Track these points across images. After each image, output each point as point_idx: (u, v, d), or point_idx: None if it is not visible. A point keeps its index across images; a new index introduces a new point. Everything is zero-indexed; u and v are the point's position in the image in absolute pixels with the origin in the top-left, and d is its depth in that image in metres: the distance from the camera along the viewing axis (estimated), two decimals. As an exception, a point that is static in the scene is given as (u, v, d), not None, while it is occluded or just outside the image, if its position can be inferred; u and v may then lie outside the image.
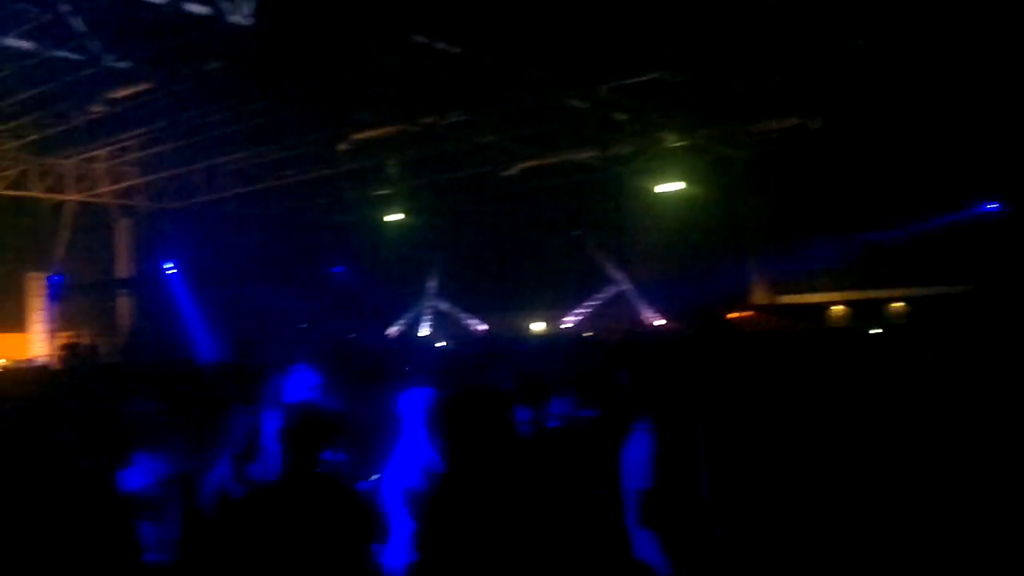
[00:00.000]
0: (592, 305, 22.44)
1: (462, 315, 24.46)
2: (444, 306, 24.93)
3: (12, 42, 11.65)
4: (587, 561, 3.22)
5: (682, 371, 5.12)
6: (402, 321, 24.59)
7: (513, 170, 19.34)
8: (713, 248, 19.39)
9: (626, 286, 21.90)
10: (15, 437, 3.47)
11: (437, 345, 18.89)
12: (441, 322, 24.68)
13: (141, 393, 5.14)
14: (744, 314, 17.74)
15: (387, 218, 23.08)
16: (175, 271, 21.47)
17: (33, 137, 17.58)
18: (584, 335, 20.49)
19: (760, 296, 19.39)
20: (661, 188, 18.53)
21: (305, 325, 20.98)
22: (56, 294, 20.91)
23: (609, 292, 22.25)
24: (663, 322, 20.34)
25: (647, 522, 3.65)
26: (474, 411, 3.10)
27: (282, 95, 14.52)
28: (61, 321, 20.88)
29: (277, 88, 14.06)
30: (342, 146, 17.83)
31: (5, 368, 15.81)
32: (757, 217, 19.29)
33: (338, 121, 16.48)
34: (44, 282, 20.90)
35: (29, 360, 18.25)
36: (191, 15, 10.40)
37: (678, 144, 17.42)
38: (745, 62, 13.24)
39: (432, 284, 25.07)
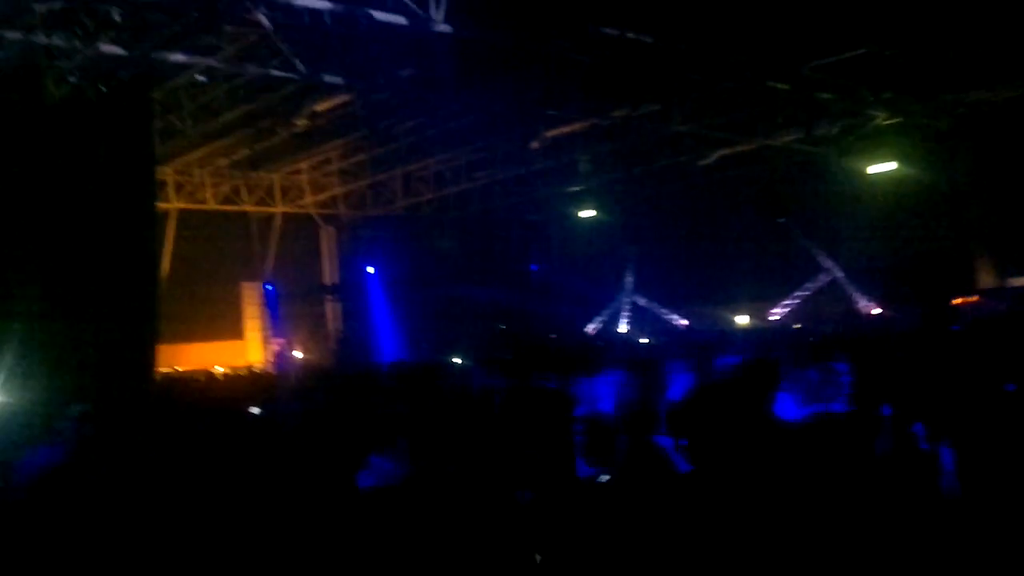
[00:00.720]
0: (801, 295, 21.60)
1: (662, 310, 24.19)
2: (642, 301, 24.73)
3: (221, 64, 12.54)
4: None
5: (913, 362, 4.83)
6: (601, 318, 24.62)
7: (710, 159, 18.88)
8: (930, 229, 18.19)
9: (837, 274, 20.93)
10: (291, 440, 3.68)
11: (641, 341, 18.80)
12: (640, 318, 24.50)
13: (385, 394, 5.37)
14: (969, 299, 16.55)
15: (581, 214, 23.16)
16: (377, 275, 22.50)
17: (242, 154, 18.95)
18: (794, 327, 19.75)
19: (986, 279, 17.97)
20: (874, 169, 17.55)
21: (504, 325, 21.42)
22: (269, 302, 22.48)
23: (819, 281, 21.34)
24: (880, 311, 19.28)
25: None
26: (731, 405, 3.01)
27: (474, 98, 14.87)
28: (274, 328, 22.43)
29: (469, 91, 14.41)
30: (534, 144, 18.03)
31: (226, 375, 17.13)
32: (979, 195, 17.90)
33: (530, 119, 16.68)
34: (257, 291, 22.50)
35: (248, 366, 19.66)
36: (387, 24, 10.84)
37: (889, 122, 16.43)
38: (958, 28, 12.29)
39: (629, 279, 24.94)
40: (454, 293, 20.91)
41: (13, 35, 11.88)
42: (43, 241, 11.35)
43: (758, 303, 21.93)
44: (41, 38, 11.50)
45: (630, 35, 12.32)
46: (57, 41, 11.65)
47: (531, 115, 16.24)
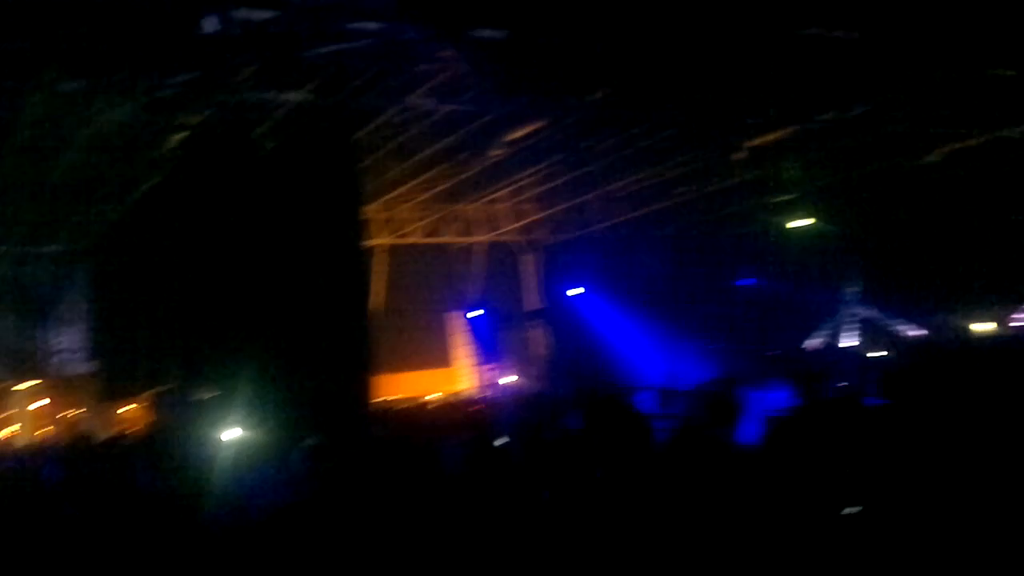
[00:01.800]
0: (1049, 300, 20.07)
1: (889, 320, 23.11)
2: (867, 312, 23.72)
3: (418, 101, 13.36)
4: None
5: None
6: (823, 331, 23.84)
7: (932, 156, 17.99)
8: None
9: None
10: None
11: (875, 355, 18.07)
12: (866, 329, 23.51)
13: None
14: None
15: (792, 224, 22.58)
16: (582, 298, 22.88)
17: (442, 187, 19.93)
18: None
19: None
20: None
21: (720, 343, 21.19)
22: (475, 330, 23.42)
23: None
24: None
25: None
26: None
27: (670, 113, 14.99)
28: (481, 355, 23.32)
29: (664, 107, 14.55)
30: (737, 155, 17.88)
31: (444, 402, 18.04)
32: None
33: (730, 131, 16.59)
34: (463, 319, 23.50)
35: (458, 393, 20.55)
36: (574, 48, 11.23)
37: None
38: None
39: (852, 289, 24.00)
40: (663, 313, 20.93)
41: (223, 96, 13.24)
42: (263, 284, 12.53)
43: (1001, 308, 20.56)
44: (249, 95, 12.76)
45: (836, 33, 12.07)
46: (264, 96, 12.89)
47: (731, 126, 16.15)
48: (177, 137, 15.45)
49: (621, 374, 19.06)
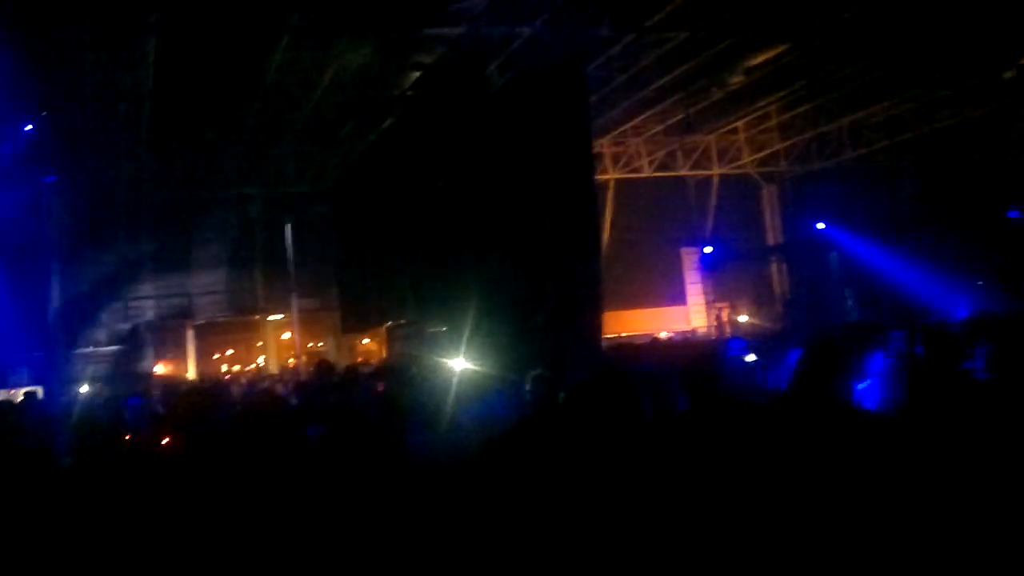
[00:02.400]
0: None
1: None
2: None
3: (649, 32, 13.12)
4: None
5: None
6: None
7: None
8: None
9: None
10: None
11: None
12: None
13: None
14: None
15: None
16: (828, 232, 21.87)
17: (676, 119, 19.57)
18: None
19: None
20: None
21: (981, 281, 19.71)
22: (708, 266, 23.04)
23: None
24: None
25: None
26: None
27: (929, 29, 13.92)
28: (715, 292, 22.95)
29: (920, 25, 13.54)
30: (1008, 74, 16.38)
31: (670, 339, 17.95)
32: None
33: (1002, 45, 15.19)
34: (697, 256, 23.17)
35: (692, 331, 20.38)
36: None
37: None
38: None
39: None
40: (919, 247, 19.65)
41: (456, 31, 13.58)
42: (494, 220, 12.88)
43: None
44: (481, 30, 13.01)
45: None
46: (495, 31, 13.10)
47: (1004, 40, 14.79)
48: (412, 76, 16.07)
49: (867, 313, 18.16)
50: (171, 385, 16.84)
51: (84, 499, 3.53)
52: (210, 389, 7.75)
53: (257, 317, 26.02)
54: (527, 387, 5.35)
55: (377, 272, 19.04)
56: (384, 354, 22.02)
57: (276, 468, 3.55)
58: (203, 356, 26.97)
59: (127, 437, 5.66)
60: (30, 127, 16.91)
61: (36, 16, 13.77)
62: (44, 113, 16.74)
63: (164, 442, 5.32)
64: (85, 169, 19.36)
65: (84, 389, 15.23)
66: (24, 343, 21.05)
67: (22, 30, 14.52)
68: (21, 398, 13.00)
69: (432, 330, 16.19)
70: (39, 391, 16.60)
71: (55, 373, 19.95)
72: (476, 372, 7.03)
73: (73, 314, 21.48)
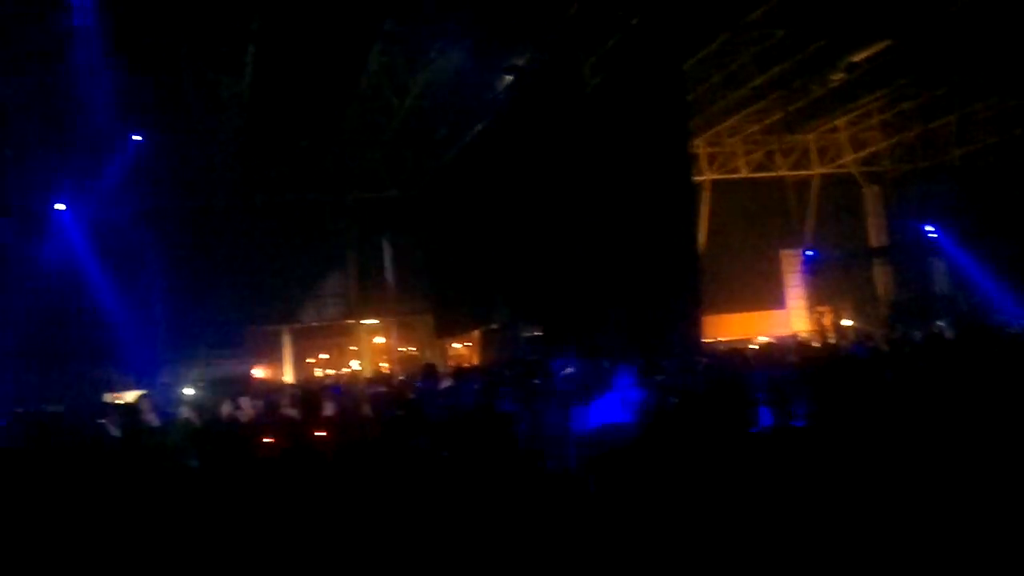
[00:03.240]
0: None
1: None
2: None
3: (748, 29, 12.96)
4: None
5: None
6: None
7: None
8: None
9: None
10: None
11: None
12: None
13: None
14: None
15: None
16: (938, 233, 21.18)
17: (774, 117, 19.29)
18: None
19: None
20: None
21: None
22: (810, 268, 22.58)
23: None
24: None
25: None
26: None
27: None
28: (817, 295, 22.50)
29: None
30: None
31: (769, 345, 17.64)
32: None
33: None
34: (797, 258, 22.73)
35: (792, 336, 19.98)
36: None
37: None
38: None
39: None
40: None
41: (550, 32, 13.63)
42: (592, 222, 12.90)
43: None
44: (575, 30, 13.04)
45: None
46: (589, 30, 13.11)
47: None
48: (506, 80, 16.18)
49: (980, 318, 17.55)
50: (276, 389, 17.26)
51: (216, 499, 3.67)
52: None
53: (351, 322, 26.47)
54: (638, 394, 5.37)
55: (470, 277, 19.22)
56: (476, 359, 22.18)
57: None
58: (299, 360, 27.55)
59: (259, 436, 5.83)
60: (138, 138, 17.60)
61: (139, 28, 14.33)
62: (149, 122, 17.37)
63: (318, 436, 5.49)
64: (185, 178, 19.97)
65: (188, 392, 15.73)
66: (130, 348, 21.88)
67: (126, 42, 15.13)
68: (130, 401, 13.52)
69: (526, 334, 16.28)
70: (146, 395, 17.24)
71: (159, 377, 20.65)
72: (579, 375, 7.07)
73: (175, 318, 22.18)
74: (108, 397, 20.01)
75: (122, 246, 21.09)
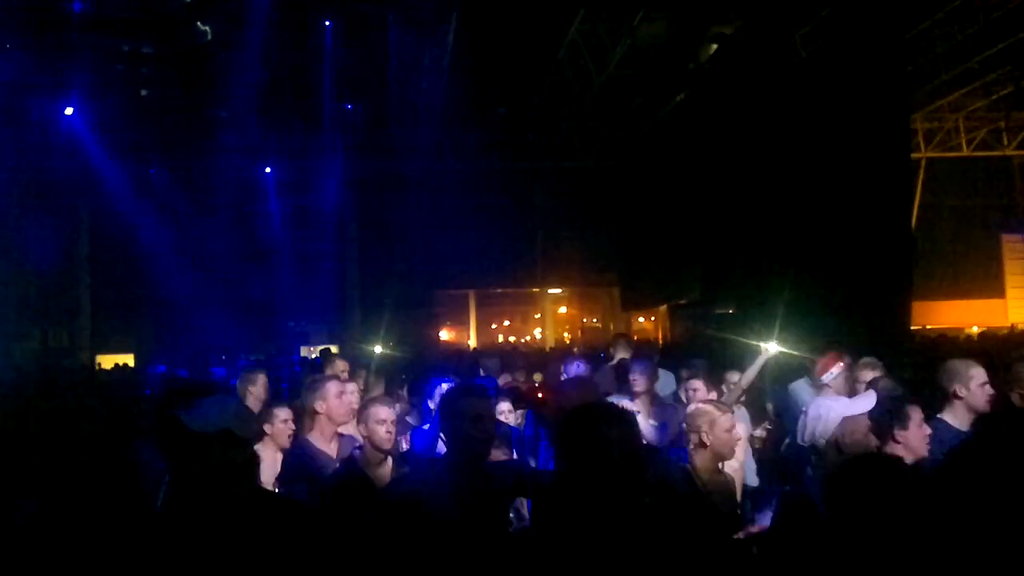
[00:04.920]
0: None
1: None
2: None
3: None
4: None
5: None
6: None
7: None
8: None
9: None
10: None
11: None
12: None
13: None
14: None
15: None
16: None
17: (1004, 92, 18.17)
18: None
19: None
20: None
21: None
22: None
23: None
24: None
25: None
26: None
27: None
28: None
29: None
30: None
31: (982, 335, 16.81)
32: None
33: None
34: (1020, 244, 21.45)
35: (1010, 327, 18.92)
36: None
37: None
38: None
39: None
40: None
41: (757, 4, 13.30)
42: (799, 198, 12.61)
43: None
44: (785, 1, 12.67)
45: None
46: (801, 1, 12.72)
47: None
48: (710, 48, 15.93)
49: None
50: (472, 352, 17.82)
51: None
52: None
53: (536, 290, 26.90)
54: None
55: (661, 250, 19.14)
56: (662, 334, 22.13)
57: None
58: (483, 325, 28.29)
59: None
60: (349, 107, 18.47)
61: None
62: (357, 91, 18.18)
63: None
64: (381, 143, 20.71)
65: (377, 349, 16.45)
66: (322, 305, 23.12)
67: (338, 9, 15.87)
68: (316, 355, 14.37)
69: (719, 311, 16.10)
70: (334, 349, 18.23)
71: (350, 333, 21.73)
72: (787, 356, 6.96)
73: (367, 278, 23.22)
74: (304, 350, 21.37)
75: (322, 209, 22.27)
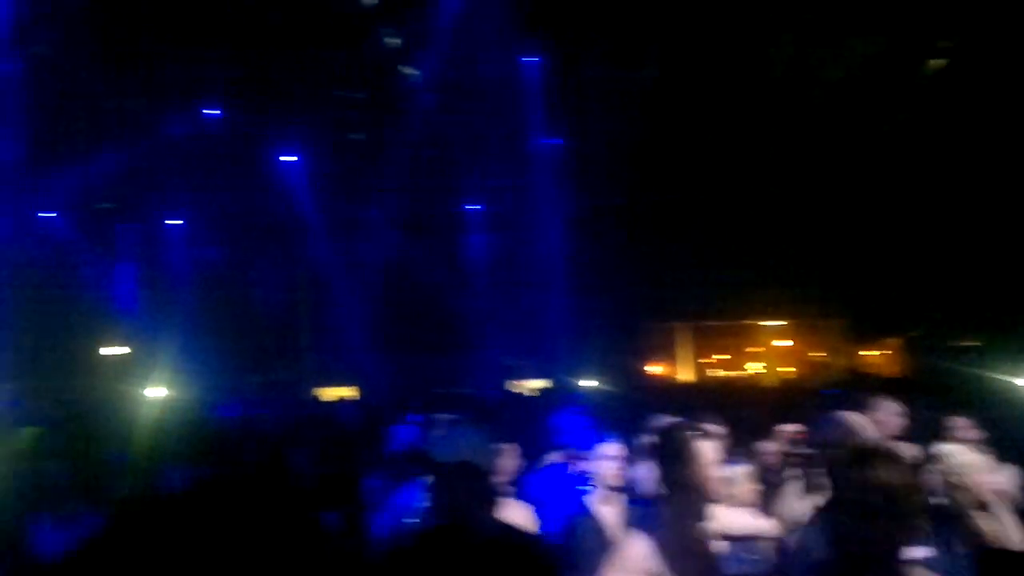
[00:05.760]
0: None
1: None
2: None
3: None
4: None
5: None
6: None
7: None
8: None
9: None
10: None
11: None
12: None
13: None
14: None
15: None
16: None
17: None
18: None
19: None
20: None
21: None
22: None
23: None
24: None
25: None
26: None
27: None
28: None
29: None
30: None
31: None
32: None
33: None
34: None
35: None
36: None
37: None
38: None
39: None
40: None
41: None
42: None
43: None
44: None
45: None
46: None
47: None
48: (933, 64, 15.07)
49: None
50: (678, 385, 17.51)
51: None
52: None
53: (751, 322, 26.11)
54: None
55: (891, 279, 18.19)
56: (896, 368, 20.97)
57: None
58: (692, 358, 27.68)
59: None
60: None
61: (558, 27, 15.24)
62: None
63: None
64: (589, 177, 20.79)
65: (583, 383, 16.63)
66: (531, 338, 23.33)
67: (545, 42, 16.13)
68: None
69: (960, 344, 15.16)
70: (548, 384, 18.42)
71: (560, 365, 21.84)
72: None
73: (575, 312, 23.31)
74: (512, 385, 21.64)
75: (530, 243, 22.58)
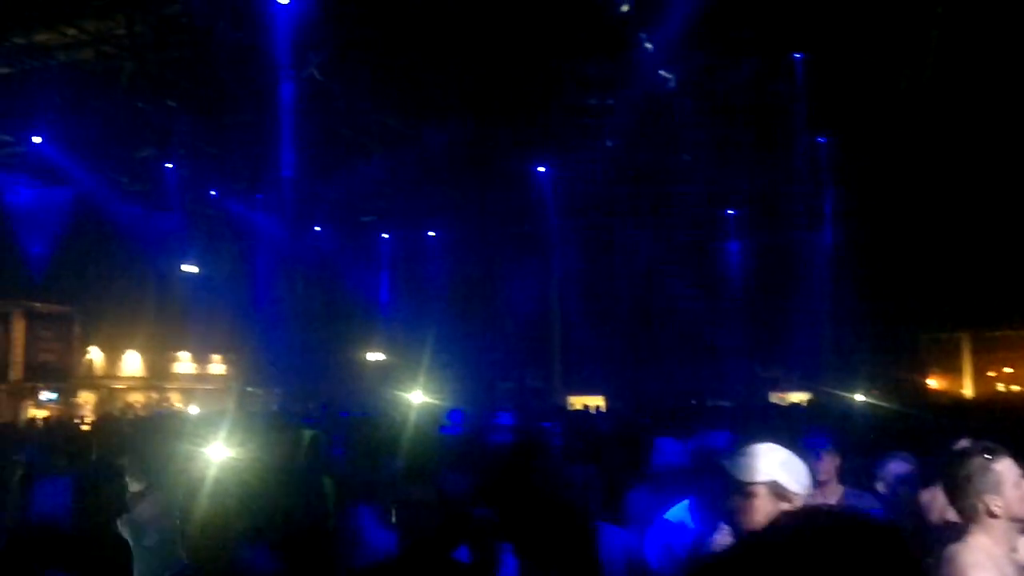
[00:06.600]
0: None
1: None
2: None
3: None
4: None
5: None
6: None
7: None
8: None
9: None
10: None
11: None
12: None
13: None
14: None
15: None
16: None
17: None
18: None
19: None
20: None
21: None
22: None
23: None
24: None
25: None
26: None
27: None
28: None
29: None
30: None
31: None
32: None
33: None
34: None
35: None
36: None
37: None
38: None
39: None
40: None
41: None
42: None
43: None
44: None
45: None
46: None
47: None
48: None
49: None
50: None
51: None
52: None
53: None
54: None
55: None
56: None
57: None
58: (979, 372, 25.85)
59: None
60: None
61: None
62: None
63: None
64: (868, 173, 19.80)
65: (858, 397, 15.79)
66: (794, 348, 22.44)
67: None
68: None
69: None
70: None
71: (826, 380, 20.86)
72: None
73: (842, 320, 22.27)
74: (774, 396, 20.85)
75: (794, 248, 21.78)
